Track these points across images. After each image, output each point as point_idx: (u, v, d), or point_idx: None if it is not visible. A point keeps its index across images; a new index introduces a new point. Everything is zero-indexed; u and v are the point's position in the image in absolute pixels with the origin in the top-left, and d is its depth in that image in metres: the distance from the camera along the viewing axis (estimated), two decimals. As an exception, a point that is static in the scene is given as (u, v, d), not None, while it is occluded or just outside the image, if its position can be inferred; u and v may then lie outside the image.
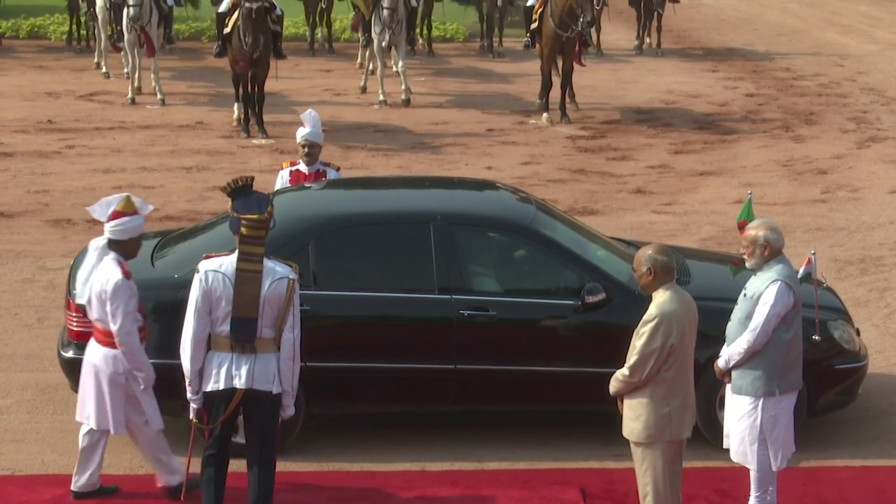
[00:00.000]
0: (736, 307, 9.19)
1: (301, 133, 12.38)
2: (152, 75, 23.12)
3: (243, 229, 8.58)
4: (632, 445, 8.86)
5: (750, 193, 10.99)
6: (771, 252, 9.01)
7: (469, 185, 12.02)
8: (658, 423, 8.68)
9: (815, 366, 10.46)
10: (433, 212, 10.60)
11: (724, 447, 9.39)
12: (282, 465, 9.54)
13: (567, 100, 22.55)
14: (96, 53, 26.34)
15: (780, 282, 8.92)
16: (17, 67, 26.44)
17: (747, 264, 9.14)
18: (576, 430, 10.73)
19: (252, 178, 8.79)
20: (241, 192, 8.69)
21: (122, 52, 23.81)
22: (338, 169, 12.59)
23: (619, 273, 10.49)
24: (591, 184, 18.48)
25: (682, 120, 22.64)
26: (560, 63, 22.17)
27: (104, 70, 25.43)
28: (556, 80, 22.26)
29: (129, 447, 10.55)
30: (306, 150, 12.32)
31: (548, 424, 10.84)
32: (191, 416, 8.82)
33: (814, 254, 10.10)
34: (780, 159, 20.00)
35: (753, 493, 9.25)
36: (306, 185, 11.99)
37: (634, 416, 8.75)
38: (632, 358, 8.62)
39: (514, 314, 10.42)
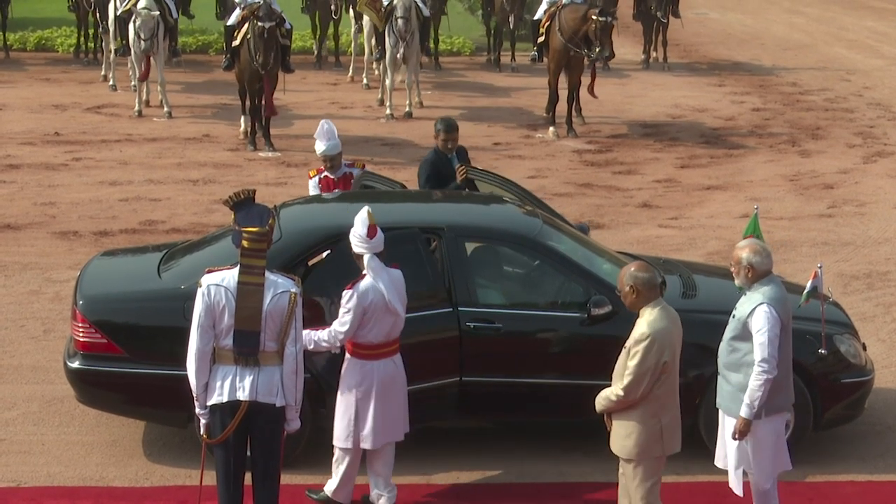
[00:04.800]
0: (727, 328, 9.16)
1: (318, 149, 12.66)
2: (159, 88, 23.16)
3: (244, 242, 8.57)
4: (622, 462, 8.87)
5: (756, 208, 11.01)
6: (755, 274, 8.96)
7: (475, 198, 12.01)
8: (650, 439, 8.71)
9: (822, 380, 10.47)
10: (440, 224, 10.61)
11: (716, 464, 9.35)
12: (287, 478, 9.54)
13: (574, 114, 22.58)
14: (104, 66, 26.39)
15: (764, 304, 8.84)
16: (25, 79, 26.48)
17: (735, 282, 9.12)
18: (581, 444, 10.72)
19: (254, 191, 8.79)
20: (244, 205, 8.69)
21: (130, 65, 23.91)
22: (362, 167, 12.89)
23: (626, 287, 10.49)
24: (598, 198, 18.49)
25: (688, 134, 22.64)
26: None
27: (111, 83, 25.47)
28: (563, 94, 22.28)
29: (135, 459, 10.57)
30: (328, 163, 12.61)
31: (553, 438, 10.83)
32: (200, 432, 8.78)
33: (820, 268, 10.10)
34: (786, 174, 20.00)
35: None
36: (311, 197, 12.03)
37: (626, 434, 8.77)
38: (627, 378, 8.62)
39: (520, 326, 10.43)
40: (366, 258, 9.43)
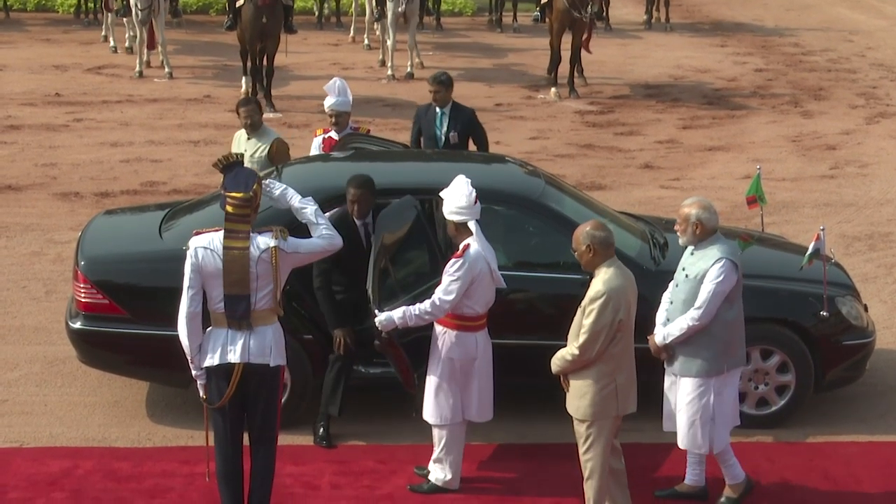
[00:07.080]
0: (674, 289, 9.14)
1: (327, 103, 12.62)
2: (160, 49, 23.12)
3: (228, 207, 8.49)
4: (575, 423, 8.86)
5: (758, 169, 10.99)
6: (703, 231, 8.98)
7: (477, 158, 11.97)
8: (605, 399, 8.70)
9: (823, 341, 10.47)
10: (441, 185, 10.57)
11: (666, 430, 9.36)
12: (289, 439, 9.57)
13: (576, 75, 22.54)
14: (104, 27, 26.32)
15: (725, 259, 8.90)
16: (25, 40, 26.42)
17: (679, 241, 9.09)
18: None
19: (241, 155, 8.74)
20: (231, 168, 8.62)
21: (129, 26, 23.87)
22: (367, 132, 12.88)
23: (628, 247, 10.48)
24: (599, 159, 18.46)
25: (690, 95, 22.60)
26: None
27: (112, 44, 25.40)
28: (565, 55, 22.22)
29: (138, 420, 10.59)
30: (333, 119, 12.57)
31: (555, 399, 10.82)
32: (200, 394, 8.74)
33: (822, 229, 10.09)
34: (788, 135, 19.97)
35: (724, 468, 9.32)
36: (312, 157, 11.99)
37: (580, 394, 8.76)
38: (582, 336, 8.61)
39: (522, 288, 10.41)
40: (471, 225, 9.26)
